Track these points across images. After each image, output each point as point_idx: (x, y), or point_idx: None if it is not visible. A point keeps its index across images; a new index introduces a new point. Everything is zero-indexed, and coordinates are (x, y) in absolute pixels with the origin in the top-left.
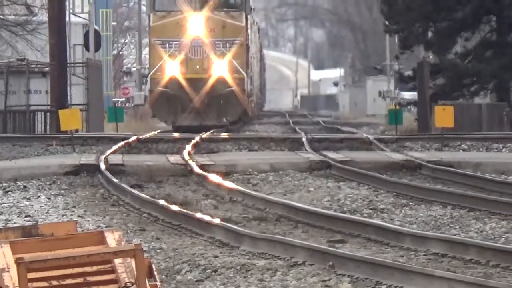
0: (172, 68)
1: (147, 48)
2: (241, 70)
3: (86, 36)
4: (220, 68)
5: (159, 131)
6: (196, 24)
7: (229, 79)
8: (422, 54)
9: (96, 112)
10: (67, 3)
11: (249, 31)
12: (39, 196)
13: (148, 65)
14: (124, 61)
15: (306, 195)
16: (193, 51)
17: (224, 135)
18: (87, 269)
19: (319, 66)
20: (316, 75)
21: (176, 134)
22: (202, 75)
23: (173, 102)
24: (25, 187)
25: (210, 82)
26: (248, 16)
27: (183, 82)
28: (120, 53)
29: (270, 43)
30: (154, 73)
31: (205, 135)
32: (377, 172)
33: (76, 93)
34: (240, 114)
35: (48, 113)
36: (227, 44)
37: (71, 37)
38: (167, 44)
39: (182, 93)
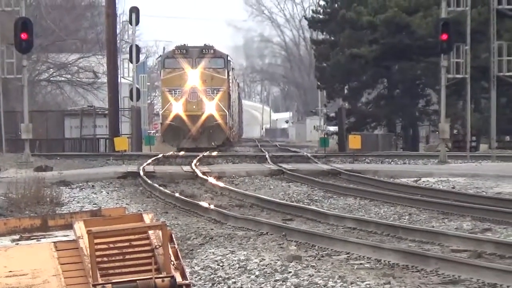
0: (176, 108)
1: None
2: (224, 109)
3: (131, 91)
4: (210, 108)
5: (175, 151)
6: (193, 77)
7: (216, 115)
8: (341, 103)
9: (137, 139)
10: (119, 71)
11: (230, 83)
12: (102, 192)
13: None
14: (154, 107)
15: (269, 191)
16: (191, 96)
17: (216, 153)
18: (132, 237)
19: (276, 110)
20: (274, 116)
21: (182, 153)
22: (197, 112)
23: (177, 131)
24: (93, 186)
25: (203, 117)
26: (230, 73)
27: (184, 117)
28: (152, 102)
29: (246, 95)
30: (164, 111)
31: (205, 153)
32: (313, 176)
33: (125, 127)
34: (224, 139)
35: (107, 140)
36: (215, 91)
37: (121, 92)
38: (173, 91)
39: (183, 125)
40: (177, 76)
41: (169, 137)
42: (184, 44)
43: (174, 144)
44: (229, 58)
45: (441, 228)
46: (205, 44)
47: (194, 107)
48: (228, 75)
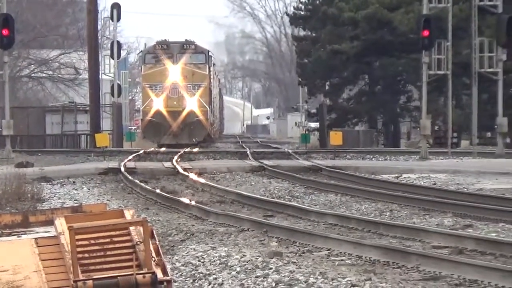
0: (157, 104)
1: None
2: (205, 105)
3: (112, 87)
4: (191, 104)
5: (156, 148)
6: (174, 73)
7: (197, 111)
8: (322, 99)
9: (118, 135)
10: (100, 67)
11: (211, 79)
12: (82, 188)
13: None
14: (136, 103)
15: (250, 187)
16: (172, 91)
17: (197, 150)
18: (113, 233)
19: (257, 106)
20: (255, 112)
21: (163, 149)
22: (178, 108)
23: (157, 127)
24: (74, 182)
25: (184, 113)
26: (211, 68)
27: (165, 113)
28: (133, 98)
29: (227, 92)
30: (144, 107)
31: (186, 150)
32: (294, 173)
33: (106, 123)
34: (205, 136)
35: (88, 136)
36: (196, 86)
37: (103, 88)
38: (154, 87)
39: (164, 121)
40: (158, 71)
41: (149, 133)
42: (165, 40)
43: (154, 140)
44: (210, 54)
45: (422, 225)
46: (186, 40)
47: (175, 103)
48: (210, 71)
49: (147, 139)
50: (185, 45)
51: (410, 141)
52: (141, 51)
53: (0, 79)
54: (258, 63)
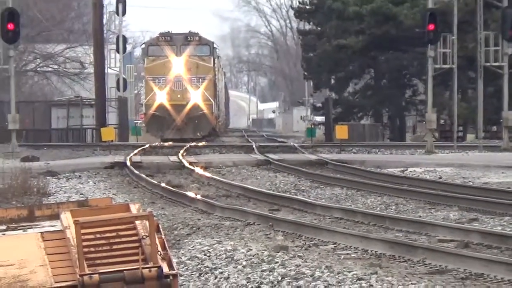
0: (160, 97)
1: None
2: (210, 98)
3: (117, 81)
4: (195, 97)
5: (161, 142)
6: (178, 65)
7: (202, 105)
8: (327, 93)
9: (124, 129)
10: (106, 61)
11: (216, 72)
12: (88, 182)
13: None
14: (141, 97)
15: (255, 181)
16: (175, 84)
17: (203, 143)
18: (119, 227)
19: (263, 100)
20: (261, 106)
21: (170, 143)
22: (182, 102)
23: (161, 121)
24: (80, 176)
25: (188, 107)
26: (216, 61)
27: (168, 107)
28: (139, 92)
29: (232, 86)
30: (147, 101)
31: (192, 144)
32: (300, 166)
33: (112, 117)
34: (209, 130)
35: (94, 130)
36: (200, 79)
37: (108, 83)
38: (157, 80)
39: (167, 115)
40: (161, 64)
41: (153, 127)
42: (168, 31)
43: (158, 135)
44: (215, 46)
45: (428, 218)
46: (190, 31)
47: (178, 96)
48: (214, 63)
49: (150, 133)
50: (189, 37)
51: (416, 135)
52: (143, 43)
53: (6, 74)
54: (263, 57)
